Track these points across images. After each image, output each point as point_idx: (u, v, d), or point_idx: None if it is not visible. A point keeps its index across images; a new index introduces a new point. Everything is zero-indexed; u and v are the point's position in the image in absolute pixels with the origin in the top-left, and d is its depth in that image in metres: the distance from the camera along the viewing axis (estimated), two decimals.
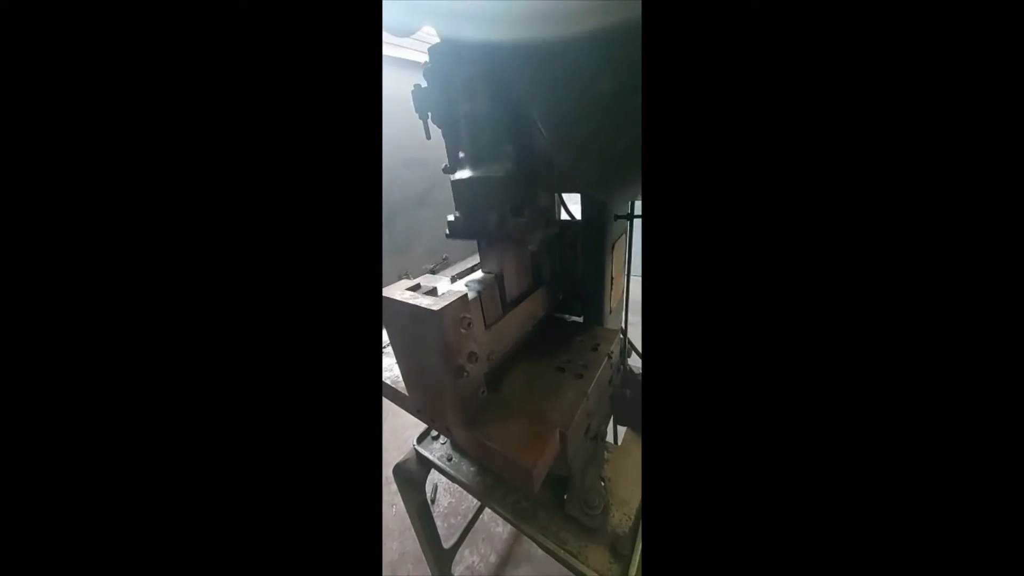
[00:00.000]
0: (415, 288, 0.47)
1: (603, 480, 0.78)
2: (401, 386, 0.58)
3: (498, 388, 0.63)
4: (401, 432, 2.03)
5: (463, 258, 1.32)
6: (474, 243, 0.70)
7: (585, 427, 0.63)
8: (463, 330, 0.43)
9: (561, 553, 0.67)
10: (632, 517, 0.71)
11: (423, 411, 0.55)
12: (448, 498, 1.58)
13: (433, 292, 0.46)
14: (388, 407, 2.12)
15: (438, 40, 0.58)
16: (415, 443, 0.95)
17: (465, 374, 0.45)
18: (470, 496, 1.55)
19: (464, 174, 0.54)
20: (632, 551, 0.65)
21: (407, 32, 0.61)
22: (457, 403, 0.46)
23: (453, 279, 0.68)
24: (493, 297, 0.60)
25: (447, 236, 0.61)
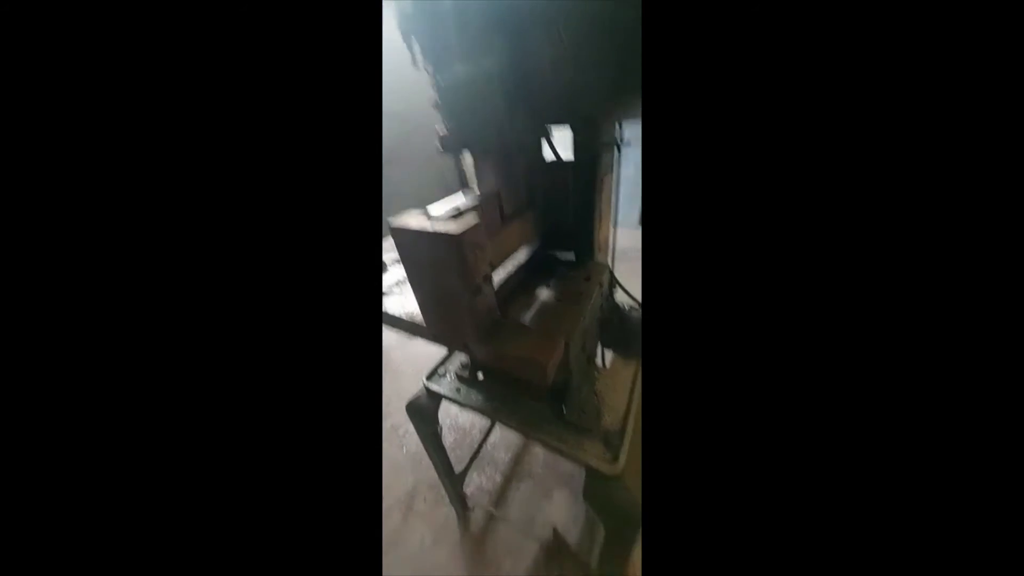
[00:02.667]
0: (427, 216, 0.50)
1: (595, 394, 0.90)
2: (417, 318, 0.64)
3: (504, 315, 0.69)
4: (403, 393, 2.13)
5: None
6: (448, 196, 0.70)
7: (581, 343, 0.71)
8: (478, 252, 0.48)
9: (564, 449, 0.80)
10: (621, 419, 0.84)
11: (440, 335, 0.61)
12: (452, 435, 1.73)
13: (445, 218, 0.49)
14: (387, 371, 2.20)
15: None
16: (424, 379, 1.04)
17: (482, 292, 0.50)
18: (472, 433, 1.71)
19: (454, 76, 0.54)
20: (621, 443, 0.78)
21: None
22: (474, 319, 0.52)
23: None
24: (493, 208, 0.64)
25: (439, 151, 0.62)
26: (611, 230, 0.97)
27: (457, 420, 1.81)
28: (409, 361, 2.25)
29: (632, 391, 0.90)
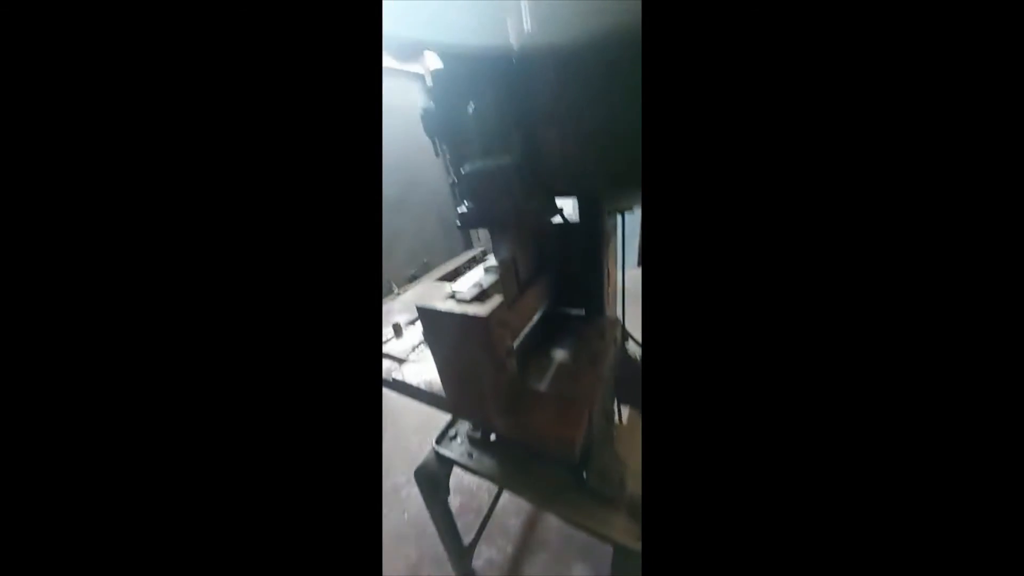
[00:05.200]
0: (452, 296, 0.52)
1: (617, 457, 0.86)
2: (436, 388, 0.63)
3: (523, 378, 0.69)
4: (403, 440, 2.03)
5: (443, 262, 1.36)
6: (453, 246, 0.74)
7: (601, 405, 0.70)
8: (503, 330, 0.49)
9: (587, 524, 0.74)
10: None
11: (460, 407, 0.60)
12: (459, 498, 1.61)
13: (470, 297, 0.51)
14: (388, 416, 2.11)
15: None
16: (434, 444, 0.99)
17: (506, 368, 0.50)
18: (480, 494, 1.59)
19: (475, 165, 0.59)
20: None
21: (410, 57, 0.65)
22: (499, 394, 0.52)
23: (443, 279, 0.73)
24: (511, 278, 0.67)
25: (458, 227, 0.66)
26: (618, 278, 0.99)
27: (463, 481, 1.70)
28: (412, 415, 2.16)
29: None
